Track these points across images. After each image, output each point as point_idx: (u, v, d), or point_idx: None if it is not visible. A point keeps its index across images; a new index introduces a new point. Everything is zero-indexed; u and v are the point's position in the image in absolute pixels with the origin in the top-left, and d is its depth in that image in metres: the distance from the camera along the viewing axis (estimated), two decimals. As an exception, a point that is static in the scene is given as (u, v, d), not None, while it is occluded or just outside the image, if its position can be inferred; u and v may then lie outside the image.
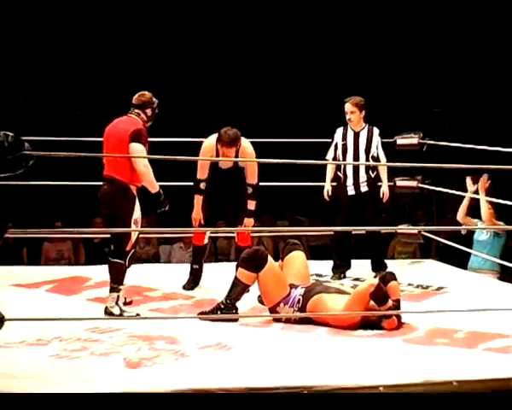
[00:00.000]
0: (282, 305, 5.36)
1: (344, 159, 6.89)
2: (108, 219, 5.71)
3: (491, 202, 7.29)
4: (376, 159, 6.90)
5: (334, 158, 6.95)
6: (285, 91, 12.74)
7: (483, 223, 7.41)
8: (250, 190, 6.30)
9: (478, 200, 7.29)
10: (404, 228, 7.62)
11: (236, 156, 6.19)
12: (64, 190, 8.27)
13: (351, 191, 6.90)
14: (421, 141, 7.49)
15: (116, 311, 5.38)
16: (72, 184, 7.39)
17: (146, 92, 5.73)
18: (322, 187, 7.10)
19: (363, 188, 6.88)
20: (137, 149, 5.42)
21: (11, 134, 4.03)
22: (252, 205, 6.32)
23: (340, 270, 6.90)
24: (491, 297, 6.07)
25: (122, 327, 5.02)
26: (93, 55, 12.78)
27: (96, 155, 5.09)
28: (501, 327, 5.06)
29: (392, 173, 7.23)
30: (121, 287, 5.49)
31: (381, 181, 6.97)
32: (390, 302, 5.19)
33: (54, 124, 11.34)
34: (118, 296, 5.45)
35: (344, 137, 6.93)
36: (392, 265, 7.16)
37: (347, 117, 6.88)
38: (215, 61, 12.89)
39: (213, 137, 6.24)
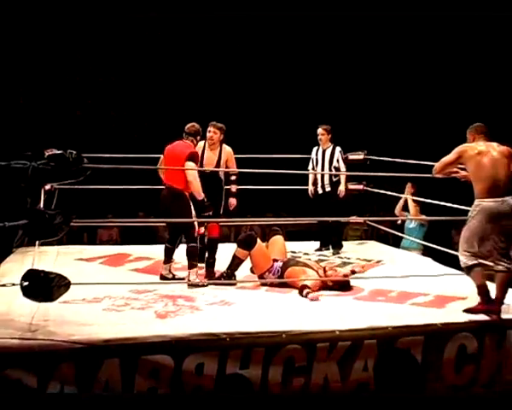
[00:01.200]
0: (267, 274, 5.37)
1: (316, 168, 7.00)
2: (167, 216, 5.37)
3: (416, 201, 7.33)
4: (337, 168, 6.97)
5: (312, 168, 7.05)
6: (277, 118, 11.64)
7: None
8: (233, 178, 6.00)
9: (412, 199, 7.34)
10: (353, 218, 7.62)
11: (220, 153, 5.92)
12: (114, 191, 8.19)
13: (320, 191, 6.99)
14: (365, 157, 7.51)
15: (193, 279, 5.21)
16: (120, 188, 7.31)
17: (195, 123, 5.54)
18: (299, 190, 7.28)
19: (327, 188, 6.97)
20: (191, 166, 5.29)
21: (74, 152, 4.02)
22: (234, 188, 6.02)
23: (322, 246, 7.03)
24: (416, 267, 6.07)
25: (154, 289, 4.99)
26: (93, 55, 10.70)
27: (135, 167, 4.98)
28: (422, 288, 5.08)
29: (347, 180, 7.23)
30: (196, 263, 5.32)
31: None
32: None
33: (54, 124, 9.93)
34: (196, 270, 5.29)
35: (316, 153, 7.04)
36: (345, 245, 7.20)
37: (318, 138, 7.01)
38: (215, 60, 11.07)
39: (201, 142, 5.95)
